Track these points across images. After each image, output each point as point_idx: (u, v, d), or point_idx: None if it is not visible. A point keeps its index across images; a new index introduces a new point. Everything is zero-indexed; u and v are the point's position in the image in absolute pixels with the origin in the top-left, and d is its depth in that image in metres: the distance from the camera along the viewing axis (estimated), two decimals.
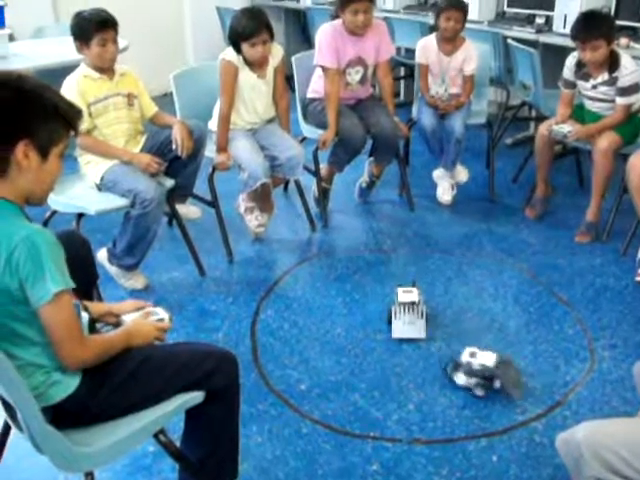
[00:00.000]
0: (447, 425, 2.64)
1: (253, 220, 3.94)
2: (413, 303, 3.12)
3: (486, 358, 2.80)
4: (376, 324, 3.22)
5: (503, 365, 2.79)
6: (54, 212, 3.38)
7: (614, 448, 1.70)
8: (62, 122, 1.80)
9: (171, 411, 1.98)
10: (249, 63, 3.70)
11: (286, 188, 4.61)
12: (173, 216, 3.71)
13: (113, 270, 3.49)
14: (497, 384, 2.76)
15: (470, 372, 2.79)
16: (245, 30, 3.58)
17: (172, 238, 3.94)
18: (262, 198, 3.90)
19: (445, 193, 4.43)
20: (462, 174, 4.48)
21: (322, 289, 3.60)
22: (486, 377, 2.77)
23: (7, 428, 2.08)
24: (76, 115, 1.85)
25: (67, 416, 1.87)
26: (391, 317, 3.15)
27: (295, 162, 3.78)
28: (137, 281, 3.54)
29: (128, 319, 2.14)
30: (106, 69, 3.36)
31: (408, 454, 2.51)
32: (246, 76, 3.72)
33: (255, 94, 3.80)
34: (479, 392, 2.77)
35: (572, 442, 1.77)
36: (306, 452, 2.53)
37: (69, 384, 1.85)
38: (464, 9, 4.26)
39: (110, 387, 1.89)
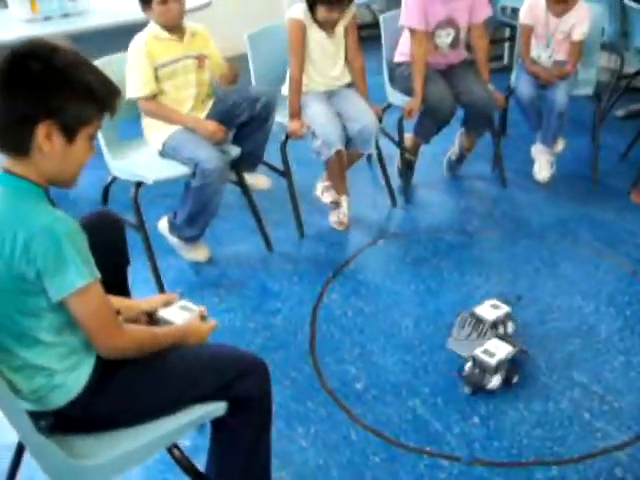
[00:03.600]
0: (514, 445, 2.33)
1: (333, 216, 3.68)
2: (480, 321, 2.74)
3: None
4: (449, 318, 2.89)
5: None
6: (114, 178, 3.23)
7: None
8: (94, 102, 1.59)
9: (188, 423, 1.77)
10: (318, 22, 3.40)
11: (369, 159, 4.28)
12: (240, 186, 3.47)
13: (174, 241, 3.31)
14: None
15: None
16: None
17: (243, 207, 3.67)
18: (337, 175, 3.60)
19: (542, 170, 4.01)
20: (559, 144, 4.05)
21: (395, 273, 3.31)
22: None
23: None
24: (111, 94, 1.63)
25: (69, 422, 1.69)
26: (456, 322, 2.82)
27: (367, 134, 3.45)
28: (199, 253, 3.36)
29: (169, 315, 1.96)
30: (174, 28, 3.12)
31: (466, 476, 2.22)
32: (314, 35, 3.43)
33: (324, 53, 3.50)
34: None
35: None
36: (352, 463, 2.29)
37: (72, 388, 1.67)
38: None
39: (118, 389, 1.71)
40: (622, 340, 2.81)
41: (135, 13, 3.32)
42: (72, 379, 1.67)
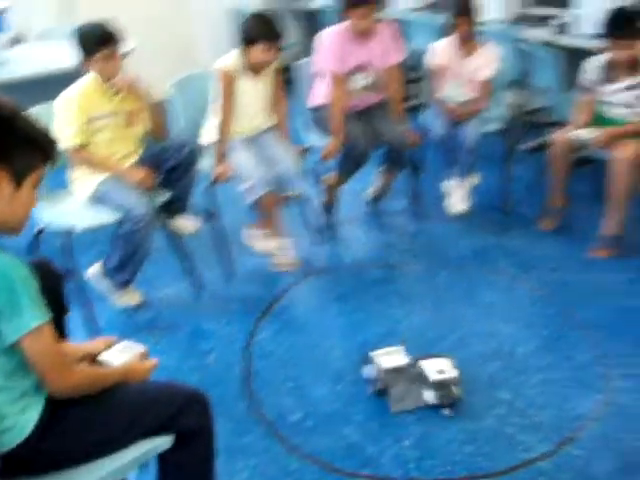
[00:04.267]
0: (447, 463, 2.45)
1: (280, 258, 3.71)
2: (398, 370, 2.72)
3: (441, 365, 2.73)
4: (376, 347, 2.97)
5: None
6: (42, 229, 3.24)
7: None
8: (38, 150, 1.68)
9: (135, 458, 1.83)
10: (250, 67, 3.53)
11: (294, 199, 4.38)
12: (168, 230, 3.54)
13: (104, 288, 3.34)
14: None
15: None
16: (268, 33, 3.43)
17: (173, 250, 3.73)
18: (269, 218, 3.66)
19: (458, 203, 4.20)
20: (473, 178, 4.27)
21: (323, 308, 3.44)
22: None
23: None
24: (51, 144, 1.72)
25: (17, 464, 1.72)
26: (382, 389, 2.75)
27: (290, 176, 3.60)
28: (130, 298, 3.40)
29: (111, 358, 2.00)
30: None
31: None
32: (244, 83, 3.56)
33: (253, 99, 3.63)
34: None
35: None
36: None
37: (22, 431, 1.71)
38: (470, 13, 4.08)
39: (66, 429, 1.76)
40: (539, 359, 2.98)
41: (58, 63, 3.37)
42: (22, 421, 1.70)
